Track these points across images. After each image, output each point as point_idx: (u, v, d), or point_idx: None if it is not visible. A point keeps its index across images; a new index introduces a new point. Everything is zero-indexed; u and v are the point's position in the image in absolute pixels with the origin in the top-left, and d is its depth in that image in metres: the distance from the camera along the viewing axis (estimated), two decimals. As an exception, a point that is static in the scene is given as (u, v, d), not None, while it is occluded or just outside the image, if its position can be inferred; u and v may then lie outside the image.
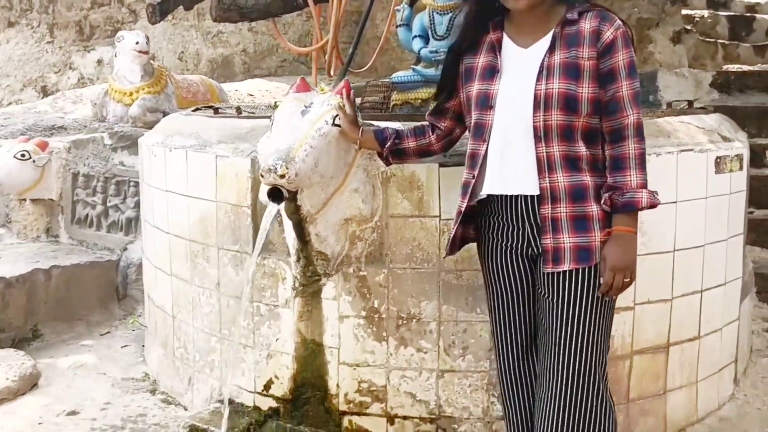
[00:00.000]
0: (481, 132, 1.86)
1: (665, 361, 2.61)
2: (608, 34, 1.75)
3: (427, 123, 2.15)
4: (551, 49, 1.77)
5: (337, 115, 2.27)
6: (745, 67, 5.43)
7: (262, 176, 2.19)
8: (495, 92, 1.83)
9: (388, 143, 2.15)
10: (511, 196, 1.83)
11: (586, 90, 1.74)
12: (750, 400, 2.88)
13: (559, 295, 1.79)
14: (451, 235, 1.96)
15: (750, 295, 3.18)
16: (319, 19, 4.75)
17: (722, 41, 6.38)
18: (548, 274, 1.80)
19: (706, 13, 6.64)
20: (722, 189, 2.75)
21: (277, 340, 2.61)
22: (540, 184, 1.77)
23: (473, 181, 1.87)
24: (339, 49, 4.54)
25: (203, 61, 7.11)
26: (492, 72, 1.86)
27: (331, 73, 4.76)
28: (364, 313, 2.49)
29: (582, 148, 1.77)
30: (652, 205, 1.76)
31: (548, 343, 1.83)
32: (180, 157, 2.81)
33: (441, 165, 2.40)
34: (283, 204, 2.27)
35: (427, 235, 2.42)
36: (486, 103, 1.84)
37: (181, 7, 4.98)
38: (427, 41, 3.76)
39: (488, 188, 1.86)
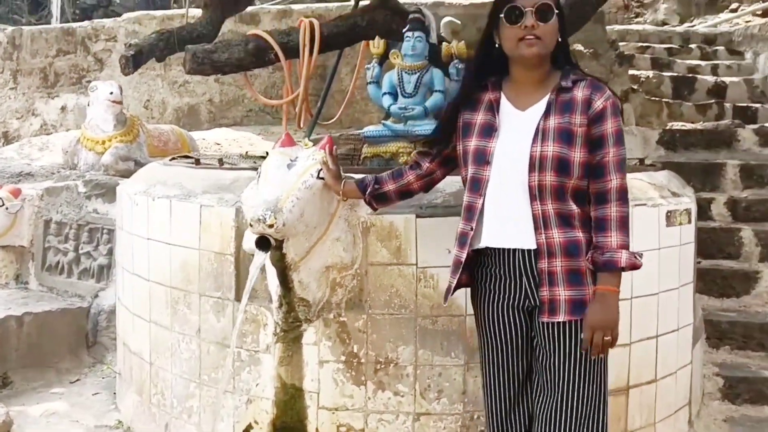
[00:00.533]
0: (478, 186, 1.99)
1: (626, 403, 2.77)
2: (599, 104, 1.90)
3: (405, 165, 2.30)
4: (546, 114, 1.93)
5: (321, 169, 2.42)
6: (689, 126, 5.79)
7: (251, 225, 2.31)
8: (492, 149, 1.97)
9: (369, 189, 2.28)
10: (510, 250, 1.96)
11: (577, 155, 1.89)
12: (704, 440, 3.06)
13: (556, 345, 1.93)
14: (452, 285, 2.07)
15: (701, 340, 3.39)
16: (290, 73, 4.94)
17: (667, 100, 6.77)
18: (545, 323, 1.93)
19: (651, 73, 7.05)
20: (673, 241, 2.97)
21: (257, 385, 2.69)
22: (537, 239, 1.91)
23: (471, 232, 2.00)
24: (309, 102, 4.73)
25: (169, 109, 7.21)
26: (490, 130, 2.00)
27: (301, 125, 4.93)
28: (343, 358, 2.60)
29: (574, 207, 1.91)
30: (633, 266, 1.88)
31: (545, 392, 1.96)
32: (163, 207, 2.91)
33: (418, 216, 2.56)
34: (269, 252, 2.39)
35: (405, 282, 2.56)
36: (483, 159, 1.98)
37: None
38: (396, 98, 3.97)
39: (486, 241, 1.98)
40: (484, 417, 2.17)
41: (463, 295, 2.53)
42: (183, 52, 4.41)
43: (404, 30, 3.99)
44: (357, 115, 6.69)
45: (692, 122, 6.51)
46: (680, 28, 8.62)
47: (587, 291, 1.90)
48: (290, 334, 2.64)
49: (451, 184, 2.64)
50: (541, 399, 1.98)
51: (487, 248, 2.00)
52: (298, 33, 4.79)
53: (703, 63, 7.44)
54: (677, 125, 5.68)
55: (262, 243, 2.34)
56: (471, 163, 2.02)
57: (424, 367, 2.57)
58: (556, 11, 1.91)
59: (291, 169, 2.44)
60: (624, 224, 1.90)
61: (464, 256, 2.01)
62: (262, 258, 2.38)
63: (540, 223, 1.90)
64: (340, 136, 4.28)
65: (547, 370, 1.96)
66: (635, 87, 6.64)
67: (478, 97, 2.06)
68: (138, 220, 3.08)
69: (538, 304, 1.96)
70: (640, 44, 7.67)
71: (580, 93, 1.92)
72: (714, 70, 7.37)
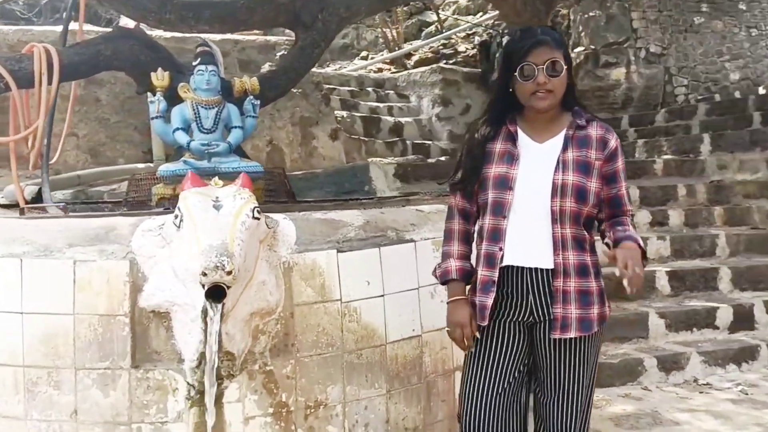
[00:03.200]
0: (502, 209, 2.15)
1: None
2: (612, 143, 2.19)
3: (457, 217, 2.31)
4: (565, 147, 2.17)
5: (255, 207, 2.29)
6: (430, 161, 6.55)
7: (204, 275, 2.07)
8: (515, 176, 2.15)
9: (474, 276, 2.26)
10: (527, 268, 2.14)
11: (593, 184, 2.16)
12: None
13: (563, 358, 2.17)
14: (487, 303, 2.17)
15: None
16: (28, 106, 4.27)
17: (363, 138, 7.53)
18: (554, 339, 2.15)
19: (344, 113, 7.76)
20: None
21: (167, 461, 2.36)
22: (555, 259, 2.12)
23: (501, 252, 2.15)
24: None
25: None
26: (511, 158, 2.18)
27: (34, 166, 4.32)
28: (271, 410, 2.44)
29: (585, 232, 2.17)
30: (644, 253, 2.10)
31: (554, 400, 2.20)
32: (7, 268, 2.36)
33: (339, 251, 2.56)
34: (211, 303, 2.16)
35: (331, 319, 2.53)
36: (506, 184, 2.15)
37: None
38: (188, 133, 3.80)
39: (509, 259, 2.15)
40: (461, 421, 2.28)
41: (383, 325, 2.63)
42: None
43: (195, 63, 3.86)
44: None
45: (382, 157, 7.36)
46: (354, 72, 9.56)
47: (593, 311, 2.17)
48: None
49: (355, 217, 2.72)
50: (549, 406, 2.22)
51: (507, 267, 2.16)
52: (32, 60, 4.22)
53: (381, 105, 8.43)
54: (409, 159, 6.37)
55: (215, 294, 2.11)
56: (492, 188, 2.18)
57: (351, 403, 2.57)
58: (565, 66, 2.16)
59: (221, 211, 2.25)
60: (636, 233, 2.19)
61: (496, 274, 2.15)
62: (219, 311, 2.14)
63: (559, 245, 2.13)
64: (132, 177, 3.86)
65: (555, 380, 2.20)
66: (339, 126, 7.23)
67: (496, 128, 2.24)
68: (-48, 289, 2.42)
69: (543, 320, 2.18)
70: (327, 86, 8.34)
71: (594, 131, 2.21)
72: (390, 111, 8.42)
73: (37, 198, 4.19)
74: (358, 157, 7.24)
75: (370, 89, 8.73)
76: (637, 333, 4.63)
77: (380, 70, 12.67)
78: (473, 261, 2.29)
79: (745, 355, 4.55)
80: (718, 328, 4.81)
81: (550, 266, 2.15)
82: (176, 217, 2.25)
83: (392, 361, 2.65)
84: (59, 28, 6.67)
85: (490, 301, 2.19)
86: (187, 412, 2.36)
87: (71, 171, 5.50)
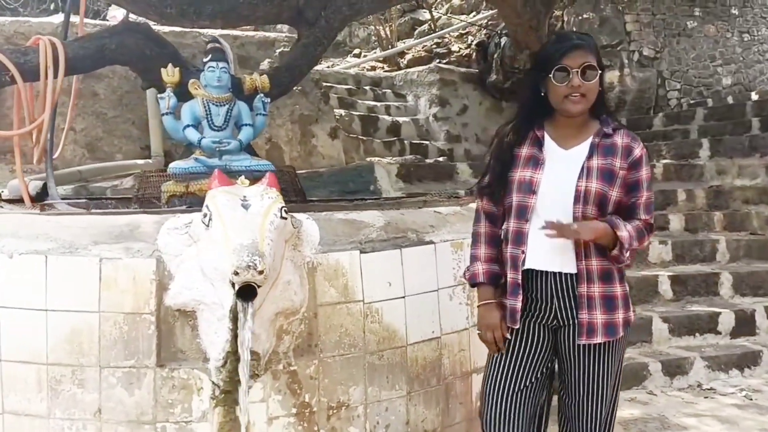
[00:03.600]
0: (524, 213, 2.21)
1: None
2: (637, 152, 2.23)
3: (484, 220, 2.36)
4: (591, 155, 2.21)
5: (282, 207, 2.32)
6: (428, 161, 6.59)
7: (236, 274, 2.09)
8: (539, 180, 2.20)
9: (502, 279, 2.32)
10: (551, 273, 2.20)
11: (615, 193, 2.20)
12: None
13: (589, 363, 2.22)
14: (517, 306, 2.23)
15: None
16: (33, 98, 4.26)
17: (362, 137, 7.56)
18: (581, 345, 2.20)
19: (342, 112, 7.78)
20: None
21: (190, 461, 2.38)
22: (578, 265, 2.17)
23: (523, 255, 2.20)
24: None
25: None
26: (536, 162, 2.23)
27: (39, 160, 4.33)
28: (294, 410, 2.47)
29: None
30: (621, 248, 2.13)
31: (580, 404, 2.26)
32: (32, 265, 2.37)
33: (361, 252, 2.60)
34: (241, 302, 2.19)
35: (353, 320, 2.57)
36: (530, 188, 2.21)
37: None
38: (198, 130, 3.82)
39: (531, 263, 2.20)
40: (483, 417, 2.34)
41: (404, 326, 2.67)
42: None
43: (206, 60, 3.89)
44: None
45: (381, 156, 7.39)
46: (351, 71, 9.58)
47: (618, 315, 2.22)
48: (233, 395, 2.40)
49: (376, 218, 2.76)
50: (574, 408, 2.28)
51: (530, 270, 2.22)
52: (37, 53, 4.21)
53: (378, 104, 8.46)
54: (409, 159, 6.41)
55: (246, 293, 2.14)
56: (516, 192, 2.23)
57: (372, 404, 2.60)
58: (599, 69, 2.20)
59: (249, 210, 2.28)
60: (640, 234, 2.21)
61: (520, 277, 2.21)
62: (251, 309, 2.16)
63: (581, 250, 2.18)
64: (142, 173, 3.87)
65: (581, 384, 2.25)
66: (339, 125, 7.25)
67: (525, 133, 2.29)
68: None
69: (568, 324, 2.23)
70: (325, 84, 8.36)
71: (620, 140, 2.25)
72: (388, 111, 8.45)
73: (42, 193, 4.18)
74: (357, 157, 7.26)
75: (367, 88, 8.77)
76: (641, 337, 4.71)
77: (373, 68, 12.70)
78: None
79: (748, 360, 4.65)
80: (720, 333, 4.91)
81: (574, 271, 2.20)
82: (204, 215, 2.27)
83: (413, 362, 2.69)
84: (52, 19, 6.66)
85: (519, 304, 2.25)
86: (211, 412, 2.39)
87: (68, 166, 5.48)
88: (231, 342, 2.34)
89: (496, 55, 8.43)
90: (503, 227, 2.34)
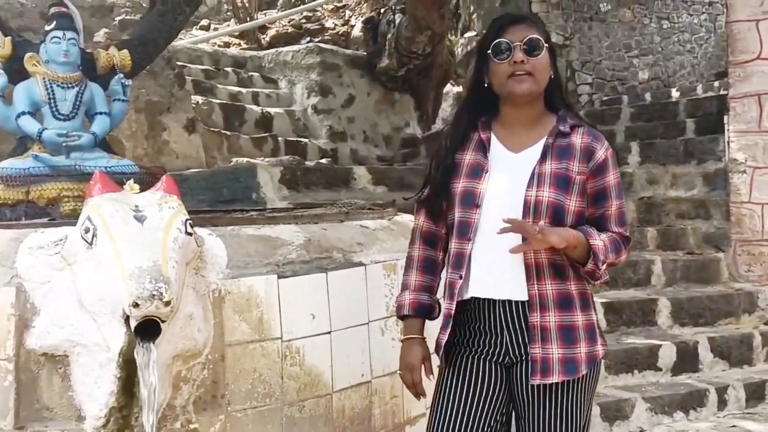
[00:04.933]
0: (466, 231, 2.22)
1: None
2: (601, 154, 2.25)
3: (419, 242, 2.39)
4: (543, 158, 2.24)
5: (188, 219, 2.27)
6: (309, 163, 6.57)
7: (136, 306, 2.03)
8: (482, 192, 2.22)
9: (435, 312, 2.37)
10: (497, 301, 2.22)
11: (573, 202, 2.23)
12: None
13: (547, 406, 2.24)
14: (442, 341, 2.24)
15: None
16: None
17: (225, 131, 7.46)
18: (536, 386, 2.22)
19: (200, 99, 7.64)
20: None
21: None
22: (529, 290, 2.20)
23: (461, 281, 2.21)
24: None
25: None
26: (479, 170, 2.25)
27: None
28: (194, 480, 2.41)
29: (565, 257, 2.24)
30: (596, 262, 2.18)
31: None
32: None
33: (279, 276, 2.58)
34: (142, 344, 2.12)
35: (269, 363, 2.54)
36: (472, 201, 2.22)
37: None
38: (37, 118, 3.69)
39: (475, 290, 2.22)
40: None
41: (329, 369, 2.68)
42: None
43: (48, 28, 3.76)
44: None
45: (250, 157, 7.34)
46: (208, 48, 9.43)
47: (580, 349, 2.26)
48: (116, 463, 2.32)
49: (295, 234, 2.75)
50: None
51: (472, 299, 2.25)
52: None
53: (243, 90, 8.39)
54: (291, 161, 6.38)
55: (148, 330, 2.08)
56: (458, 206, 2.25)
57: (290, 465, 2.59)
58: (546, 45, 2.27)
59: (145, 223, 2.21)
60: (617, 247, 2.28)
61: (453, 308, 2.23)
62: (154, 352, 2.09)
63: (533, 273, 2.22)
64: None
65: (535, 429, 2.30)
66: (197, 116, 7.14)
67: (467, 135, 2.31)
68: None
69: (520, 360, 2.27)
70: (178, 63, 8.19)
71: (578, 140, 2.29)
72: (256, 99, 8.40)
73: None
74: (219, 156, 7.17)
75: (229, 70, 8.66)
76: (576, 376, 4.93)
77: (227, 44, 12.60)
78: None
79: (693, 400, 4.96)
80: (660, 369, 5.22)
81: (525, 298, 2.24)
82: (86, 230, 2.17)
83: (339, 414, 2.69)
84: None
85: (445, 338, 2.28)
86: (86, 487, 2.28)
87: None
88: (117, 395, 2.27)
89: (389, 36, 8.59)
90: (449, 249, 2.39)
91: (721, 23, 12.29)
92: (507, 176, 2.26)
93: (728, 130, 6.14)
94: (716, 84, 10.66)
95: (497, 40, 2.26)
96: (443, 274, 2.40)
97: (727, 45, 6.26)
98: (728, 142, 6.16)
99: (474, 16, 12.14)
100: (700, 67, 14.86)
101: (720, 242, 6.31)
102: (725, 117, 6.20)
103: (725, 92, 6.45)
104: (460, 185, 2.28)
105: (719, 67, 13.30)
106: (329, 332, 2.67)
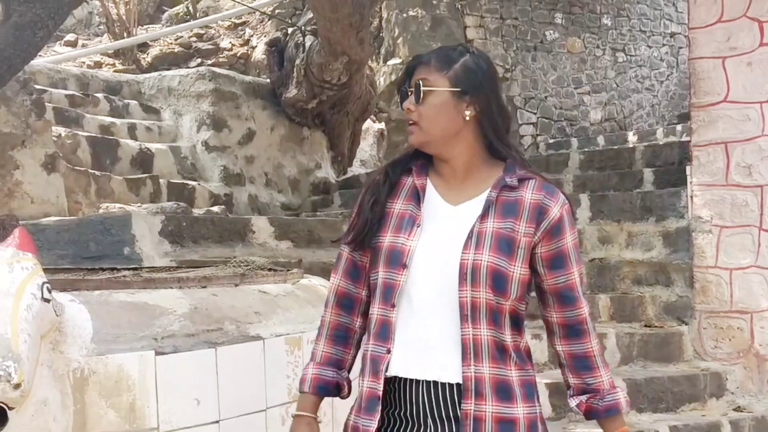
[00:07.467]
0: (390, 295, 2.23)
1: None
2: (555, 211, 2.27)
3: (332, 304, 2.41)
4: (484, 214, 2.26)
5: (45, 283, 2.26)
6: (197, 212, 6.53)
7: (-23, 390, 1.99)
8: (411, 250, 2.23)
9: (344, 390, 2.42)
10: (423, 382, 2.22)
11: (517, 270, 2.24)
12: None
13: None
14: (370, 428, 2.24)
15: None
16: None
17: (94, 171, 7.38)
18: None
19: (63, 131, 7.54)
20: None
21: None
22: (464, 372, 2.19)
23: (388, 356, 2.22)
24: None
25: None
26: (410, 224, 2.27)
27: None
28: None
29: (508, 336, 2.25)
30: (629, 404, 2.34)
31: None
32: None
33: (157, 353, 2.56)
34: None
35: (143, 464, 2.51)
36: (399, 260, 2.23)
37: None
38: None
39: (396, 368, 2.22)
40: None
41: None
42: None
43: None
44: None
45: (124, 203, 7.28)
46: (75, 69, 9.36)
47: None
48: None
49: (177, 301, 2.75)
50: None
51: (395, 378, 2.25)
52: None
53: (118, 121, 8.34)
54: (175, 210, 6.33)
55: (-7, 418, 2.04)
56: (383, 265, 2.27)
57: None
58: (450, 88, 2.29)
59: (-9, 286, 2.19)
60: (604, 358, 2.35)
61: (381, 386, 2.23)
62: (-2, 446, 2.04)
63: (470, 352, 2.21)
64: None
65: None
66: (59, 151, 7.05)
67: (398, 180, 2.35)
68: None
69: None
70: (37, 87, 8.09)
71: (528, 194, 2.30)
72: (133, 132, 8.34)
73: None
74: (86, 202, 7.08)
75: (100, 96, 8.58)
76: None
77: (98, 64, 12.56)
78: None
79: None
80: (617, 467, 5.31)
81: (457, 380, 2.24)
82: None
83: None
84: None
85: (374, 426, 2.27)
86: None
87: None
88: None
89: (298, 61, 8.67)
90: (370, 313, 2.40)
91: (685, 57, 12.71)
92: (442, 233, 2.29)
93: (691, 182, 6.32)
94: (679, 128, 10.99)
95: (402, 86, 2.38)
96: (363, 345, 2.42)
97: (689, 85, 6.45)
98: (691, 197, 6.33)
99: (399, 40, 12.37)
100: (660, 107, 15.34)
101: (683, 313, 6.45)
102: (688, 167, 6.38)
103: (688, 138, 6.61)
104: (387, 240, 2.30)
105: (682, 108, 13.74)
106: (217, 421, 2.67)
